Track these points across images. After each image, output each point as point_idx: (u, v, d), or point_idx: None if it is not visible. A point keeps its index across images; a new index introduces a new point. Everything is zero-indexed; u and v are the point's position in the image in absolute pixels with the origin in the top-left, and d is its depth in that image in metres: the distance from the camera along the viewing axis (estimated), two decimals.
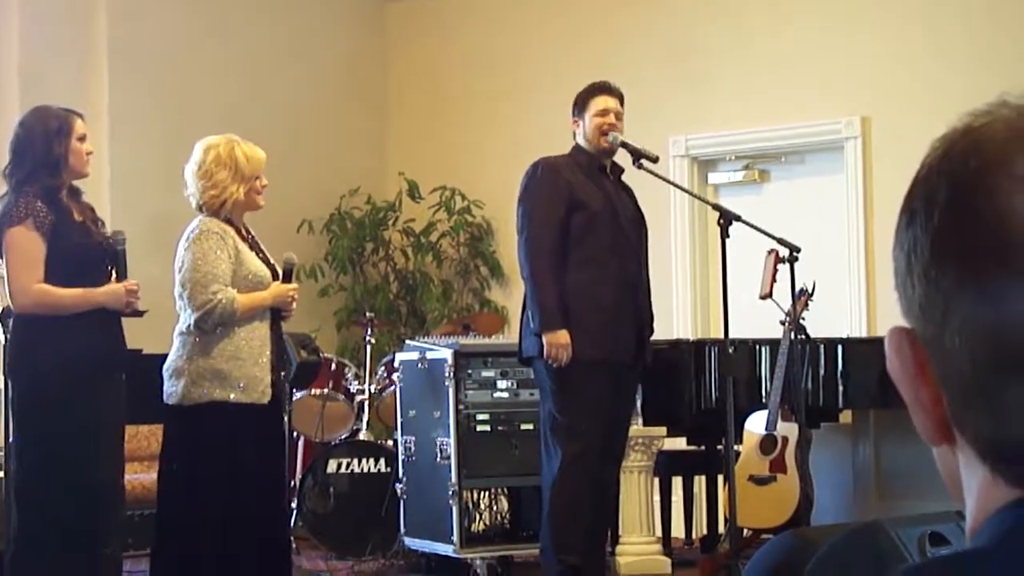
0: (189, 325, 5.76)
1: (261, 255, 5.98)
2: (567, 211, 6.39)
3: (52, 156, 5.64)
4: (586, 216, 6.41)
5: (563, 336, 6.26)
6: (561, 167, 6.50)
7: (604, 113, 6.55)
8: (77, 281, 5.63)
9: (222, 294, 5.68)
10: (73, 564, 5.62)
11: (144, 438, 8.51)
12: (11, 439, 5.82)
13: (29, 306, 5.62)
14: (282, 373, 5.98)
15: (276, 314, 5.92)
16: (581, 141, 6.59)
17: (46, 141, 5.66)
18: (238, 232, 5.89)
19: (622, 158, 6.67)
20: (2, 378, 6.00)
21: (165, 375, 5.80)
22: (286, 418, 6.90)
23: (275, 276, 5.95)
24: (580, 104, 6.60)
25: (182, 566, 5.71)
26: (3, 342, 6.03)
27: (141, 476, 8.01)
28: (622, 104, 6.65)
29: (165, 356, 5.87)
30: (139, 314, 5.77)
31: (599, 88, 6.63)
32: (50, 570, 5.61)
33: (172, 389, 5.75)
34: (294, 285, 6.02)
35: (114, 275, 5.79)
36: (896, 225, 1.07)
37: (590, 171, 6.52)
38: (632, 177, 6.74)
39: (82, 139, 5.75)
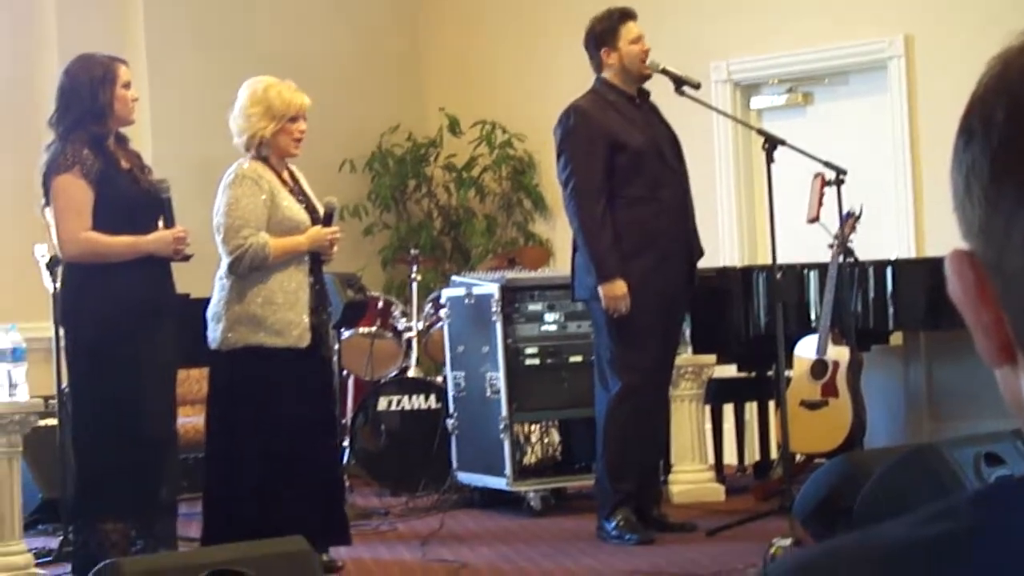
0: (226, 270, 5.78)
1: (304, 199, 5.96)
2: (608, 153, 6.34)
3: (98, 104, 5.64)
4: (628, 154, 6.37)
5: (620, 286, 6.25)
6: (592, 110, 6.44)
7: (639, 39, 6.49)
8: (125, 228, 5.63)
9: (253, 238, 5.68)
10: (129, 507, 5.65)
11: (195, 381, 8.54)
12: (65, 386, 5.85)
13: (77, 254, 5.63)
14: (324, 316, 5.96)
15: (316, 258, 5.91)
16: (611, 73, 6.50)
17: (91, 89, 5.65)
18: (278, 176, 5.87)
19: (655, 84, 6.60)
20: (54, 326, 6.02)
21: (208, 321, 5.82)
22: (334, 360, 6.92)
23: (315, 220, 5.93)
24: (607, 34, 6.50)
25: (231, 509, 5.75)
26: (54, 290, 6.05)
27: (193, 419, 8.04)
28: None
29: (210, 300, 5.89)
30: (187, 259, 5.77)
31: (625, 15, 6.54)
32: (107, 514, 5.65)
33: (212, 334, 5.79)
34: (333, 228, 5.97)
35: (161, 223, 5.78)
36: (953, 147, 1.04)
37: (621, 106, 6.47)
38: (673, 104, 6.69)
39: (127, 86, 5.73)
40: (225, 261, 5.77)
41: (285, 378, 5.74)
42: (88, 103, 5.64)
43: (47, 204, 5.69)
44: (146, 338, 5.61)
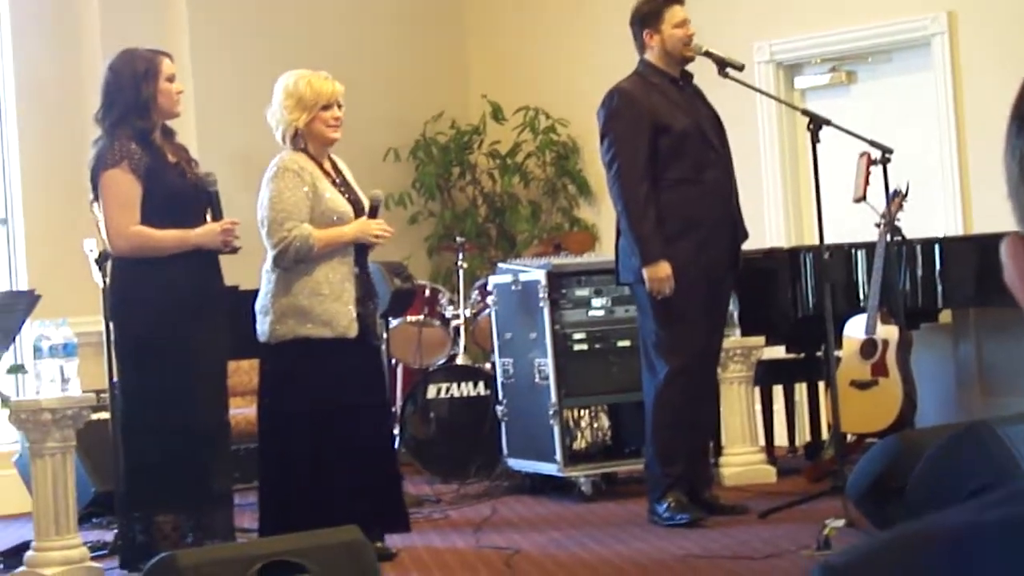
0: (271, 264, 5.81)
1: (347, 190, 5.97)
2: (652, 135, 6.34)
3: (141, 98, 5.66)
4: (672, 137, 6.36)
5: (664, 268, 6.25)
6: (636, 92, 6.44)
7: (683, 24, 6.48)
8: (173, 222, 5.66)
9: (297, 230, 5.69)
10: (181, 499, 5.68)
11: (245, 373, 8.57)
12: (116, 380, 5.88)
13: (126, 248, 5.65)
14: (370, 306, 5.97)
15: (361, 248, 5.92)
16: (654, 55, 6.50)
17: (135, 83, 5.67)
18: (320, 167, 5.88)
19: (698, 66, 6.58)
20: (104, 320, 6.06)
21: (256, 313, 5.84)
22: (383, 349, 6.94)
23: (358, 211, 5.93)
24: (651, 17, 6.50)
25: (285, 499, 5.77)
26: (104, 285, 6.08)
27: (244, 411, 8.07)
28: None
29: (258, 292, 5.91)
30: (235, 251, 5.79)
31: None
32: (158, 506, 5.68)
33: (261, 327, 5.81)
34: (380, 221, 5.98)
35: (209, 216, 5.80)
36: (1006, 132, 1.04)
37: (664, 88, 6.46)
38: (717, 85, 6.67)
39: (171, 79, 5.75)
40: (270, 254, 5.80)
41: (335, 368, 5.76)
42: (132, 98, 5.67)
43: (95, 199, 5.72)
44: (195, 331, 5.64)
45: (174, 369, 5.61)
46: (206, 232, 5.70)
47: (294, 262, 5.73)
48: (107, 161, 5.63)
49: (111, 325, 5.93)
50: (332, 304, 5.75)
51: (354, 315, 5.79)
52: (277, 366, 5.85)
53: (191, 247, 5.67)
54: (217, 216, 5.76)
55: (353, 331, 5.77)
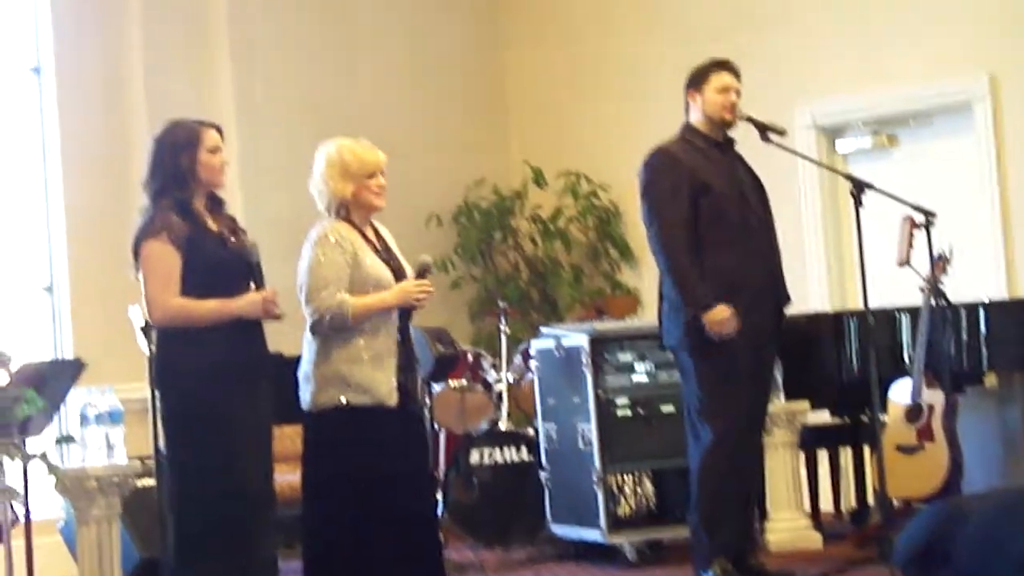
0: (311, 330, 5.81)
1: (390, 257, 5.96)
2: (692, 196, 6.33)
3: (180, 169, 5.69)
4: (713, 199, 6.35)
5: (722, 310, 6.22)
6: (678, 153, 6.44)
7: (725, 90, 6.49)
8: (214, 292, 5.66)
9: (332, 299, 5.69)
10: (226, 567, 5.67)
11: (288, 439, 8.56)
12: (162, 448, 5.89)
13: (165, 319, 5.67)
14: (412, 373, 5.95)
15: (404, 314, 5.91)
16: (696, 117, 6.52)
17: (174, 155, 5.71)
18: (362, 235, 5.89)
19: (741, 132, 6.59)
20: (150, 388, 6.06)
21: (299, 380, 5.83)
22: (425, 415, 6.93)
23: (400, 278, 5.91)
24: (698, 79, 6.54)
25: (328, 566, 5.74)
26: (149, 353, 6.09)
27: (288, 477, 8.06)
28: (739, 81, 6.59)
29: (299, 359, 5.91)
30: (278, 318, 5.79)
31: (718, 64, 6.57)
32: (207, 573, 5.66)
33: (303, 395, 5.79)
34: (420, 281, 5.92)
35: (252, 285, 5.80)
36: None
37: (706, 151, 6.47)
38: (759, 150, 6.68)
39: (213, 151, 5.76)
40: (308, 322, 5.80)
41: (376, 436, 5.73)
42: (172, 168, 5.69)
43: (138, 269, 5.74)
44: (239, 400, 5.63)
45: (217, 438, 5.60)
46: (247, 302, 5.70)
47: (331, 330, 5.73)
48: (147, 232, 5.66)
49: (156, 393, 5.94)
50: (373, 371, 5.74)
51: (395, 383, 5.77)
52: (319, 434, 5.84)
53: (231, 317, 5.66)
54: (259, 285, 5.76)
55: (393, 399, 5.74)
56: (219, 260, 5.70)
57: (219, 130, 5.87)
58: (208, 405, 5.59)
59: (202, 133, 5.77)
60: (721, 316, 6.24)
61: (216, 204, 5.85)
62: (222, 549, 5.60)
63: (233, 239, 5.79)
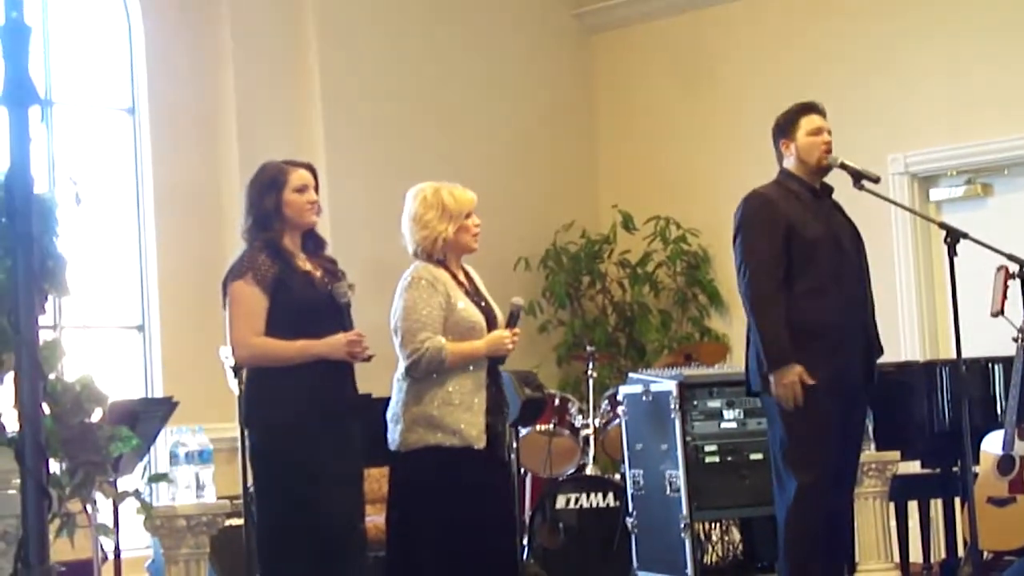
0: (403, 372, 5.82)
1: (480, 299, 5.98)
2: (785, 241, 6.28)
3: (264, 210, 5.72)
4: (806, 244, 6.29)
5: (792, 373, 6.13)
6: (773, 197, 6.40)
7: (818, 132, 6.44)
8: (303, 332, 5.65)
9: (430, 343, 5.70)
10: None
11: (375, 480, 8.59)
12: (251, 486, 5.91)
13: (247, 358, 5.69)
14: (500, 417, 5.96)
15: (494, 359, 5.92)
16: (791, 164, 6.47)
17: (260, 195, 5.74)
18: (454, 277, 5.90)
19: (835, 179, 6.55)
20: (239, 427, 6.11)
21: (388, 421, 5.84)
22: (512, 459, 6.91)
23: (490, 321, 5.93)
24: (787, 126, 6.47)
25: None
26: (239, 393, 6.13)
27: (374, 518, 8.08)
28: (826, 120, 6.54)
29: (389, 400, 5.91)
30: (368, 359, 5.80)
31: (806, 108, 6.51)
32: None
33: (392, 435, 5.81)
34: (510, 332, 5.92)
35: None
36: None
37: (802, 197, 6.41)
38: (852, 198, 6.63)
39: (301, 190, 5.76)
40: (403, 364, 5.81)
41: (463, 479, 5.73)
42: (259, 209, 5.73)
43: (225, 308, 5.78)
44: (326, 441, 5.63)
45: (303, 480, 5.58)
46: (331, 343, 5.68)
47: (426, 373, 5.74)
48: (234, 273, 5.69)
49: (245, 433, 5.96)
50: (463, 414, 5.75)
51: (483, 426, 5.78)
52: (406, 475, 5.84)
53: (315, 357, 5.65)
54: (347, 327, 5.76)
55: (482, 442, 5.75)
56: (307, 301, 5.69)
57: (311, 169, 5.87)
58: (292, 448, 5.58)
59: (289, 173, 5.78)
60: (790, 379, 6.13)
61: (317, 245, 5.87)
62: None
63: (323, 279, 5.78)
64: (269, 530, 5.71)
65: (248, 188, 5.83)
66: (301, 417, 5.60)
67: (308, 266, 5.78)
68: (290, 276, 5.69)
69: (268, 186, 5.75)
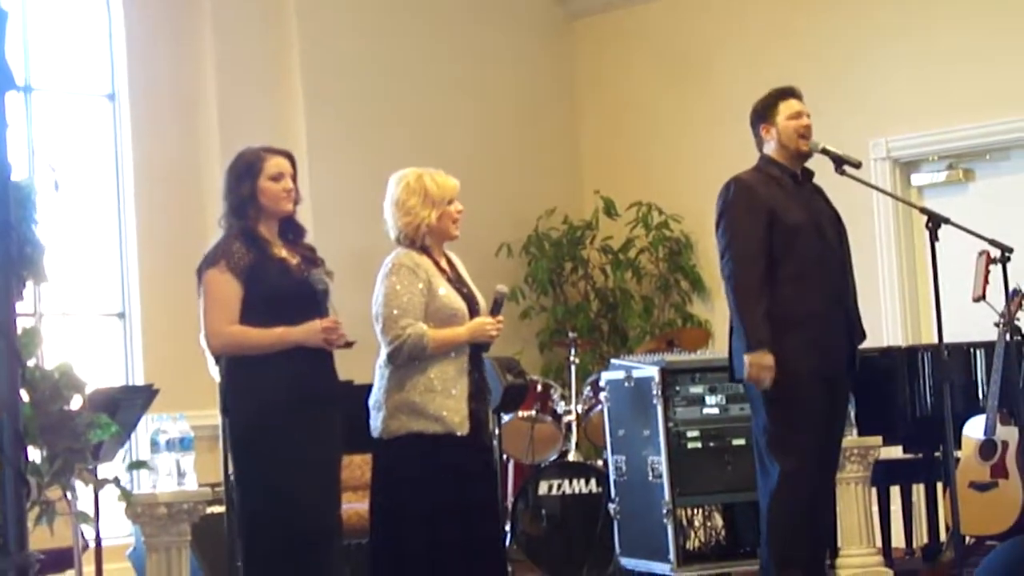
0: (385, 359, 5.80)
1: (462, 286, 5.96)
2: (767, 227, 6.28)
3: (239, 196, 5.66)
4: (788, 230, 6.29)
5: (766, 358, 6.13)
6: (754, 183, 6.39)
7: (798, 115, 6.43)
8: (279, 320, 5.59)
9: (411, 329, 5.69)
10: None
11: (357, 467, 8.59)
12: (232, 473, 5.86)
13: (222, 347, 5.62)
14: (483, 403, 5.94)
15: (477, 345, 5.91)
16: (772, 149, 6.46)
17: (236, 182, 5.69)
18: (436, 264, 5.89)
19: (816, 165, 6.55)
20: (220, 414, 6.05)
21: (370, 408, 5.83)
22: (495, 445, 6.91)
23: (472, 307, 5.91)
24: (766, 111, 6.46)
25: None
26: (220, 381, 6.09)
27: (356, 505, 8.08)
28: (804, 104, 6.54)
29: (371, 387, 5.89)
30: (349, 346, 5.77)
31: (784, 93, 6.50)
32: None
33: (374, 423, 5.79)
34: (493, 319, 5.92)
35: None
36: None
37: (783, 183, 6.41)
38: (833, 182, 6.63)
39: (276, 178, 5.69)
40: (384, 351, 5.80)
41: (446, 465, 5.73)
42: (235, 196, 5.68)
43: (200, 297, 5.73)
44: (305, 429, 5.56)
45: (281, 468, 5.53)
46: (307, 330, 5.61)
47: (408, 360, 5.73)
48: (208, 260, 5.63)
49: (225, 420, 5.91)
50: (445, 400, 5.74)
51: (467, 412, 5.77)
52: (389, 462, 5.83)
53: (291, 345, 5.58)
54: (323, 314, 5.71)
55: (465, 428, 5.74)
56: (282, 288, 5.63)
57: (289, 156, 5.82)
58: (270, 435, 5.53)
59: (265, 160, 5.72)
60: (763, 363, 6.14)
61: (296, 233, 5.82)
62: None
63: (300, 267, 5.71)
64: (248, 518, 5.68)
65: (225, 175, 5.78)
66: (279, 405, 5.55)
67: (284, 253, 5.71)
68: (265, 264, 5.62)
69: (244, 173, 5.69)
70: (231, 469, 5.79)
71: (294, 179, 5.77)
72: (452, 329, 5.78)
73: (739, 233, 6.29)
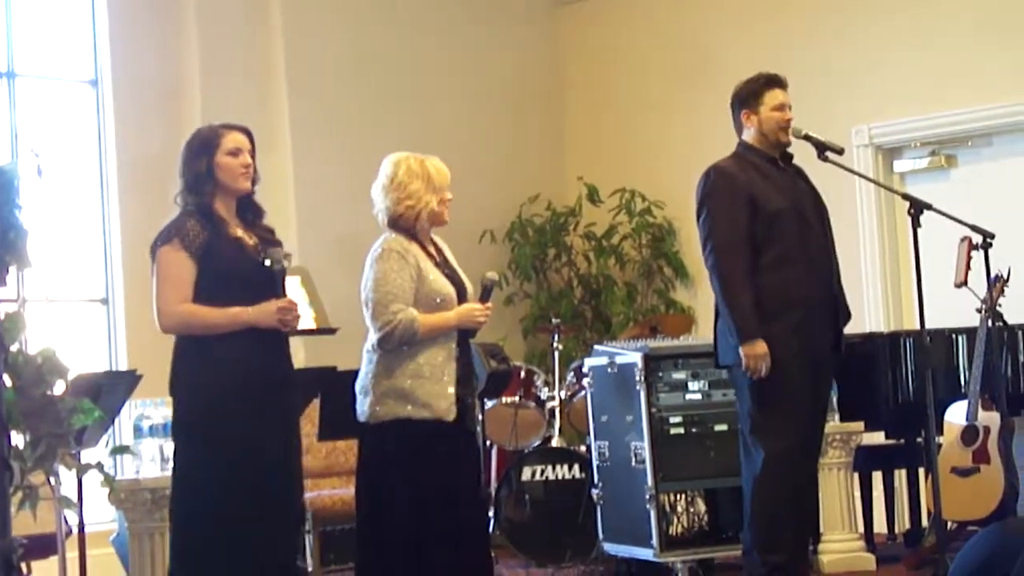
0: (374, 344, 5.79)
1: (450, 271, 5.96)
2: (749, 213, 6.29)
3: (196, 173, 5.56)
4: (769, 216, 6.31)
5: (760, 347, 6.15)
6: (734, 171, 6.40)
7: (782, 108, 6.44)
8: (233, 300, 5.48)
9: (402, 314, 5.68)
10: None
11: (341, 453, 8.60)
12: (171, 459, 5.71)
13: (172, 326, 5.50)
14: (470, 389, 5.94)
15: (464, 331, 5.91)
16: (751, 135, 6.46)
17: (192, 159, 5.59)
18: (424, 249, 5.88)
19: (798, 151, 6.56)
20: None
21: (357, 393, 5.81)
22: (479, 432, 6.91)
23: (460, 292, 5.91)
24: (751, 97, 6.46)
25: None
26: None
27: (339, 491, 8.09)
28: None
29: (357, 372, 5.86)
30: (294, 331, 5.67)
31: (772, 81, 6.50)
32: None
33: (361, 407, 5.76)
34: (482, 306, 5.91)
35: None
36: None
37: (763, 168, 6.42)
38: (816, 169, 6.64)
39: (234, 153, 5.59)
40: (374, 336, 5.78)
41: (432, 451, 5.72)
42: (191, 173, 5.58)
43: (153, 275, 5.57)
44: (257, 412, 5.44)
45: (222, 447, 5.40)
46: (259, 311, 5.49)
47: (399, 345, 5.72)
48: (161, 237, 5.51)
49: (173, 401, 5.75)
50: (433, 386, 5.73)
51: (454, 398, 5.77)
52: (376, 447, 5.81)
53: (244, 325, 5.46)
54: (279, 295, 5.58)
55: (452, 414, 5.74)
56: (236, 268, 5.52)
57: (247, 133, 5.70)
58: (219, 418, 5.40)
59: (222, 136, 5.61)
60: (758, 351, 6.16)
61: (254, 212, 5.70)
62: (220, 562, 5.41)
63: (256, 247, 5.59)
64: (182, 498, 5.51)
65: (182, 151, 5.64)
66: (227, 389, 5.42)
67: (240, 233, 5.59)
68: (220, 242, 5.51)
69: (200, 148, 5.58)
70: (174, 452, 5.59)
71: (253, 156, 5.66)
72: (441, 314, 5.77)
73: (720, 222, 6.29)
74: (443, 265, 5.93)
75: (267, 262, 5.56)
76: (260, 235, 5.66)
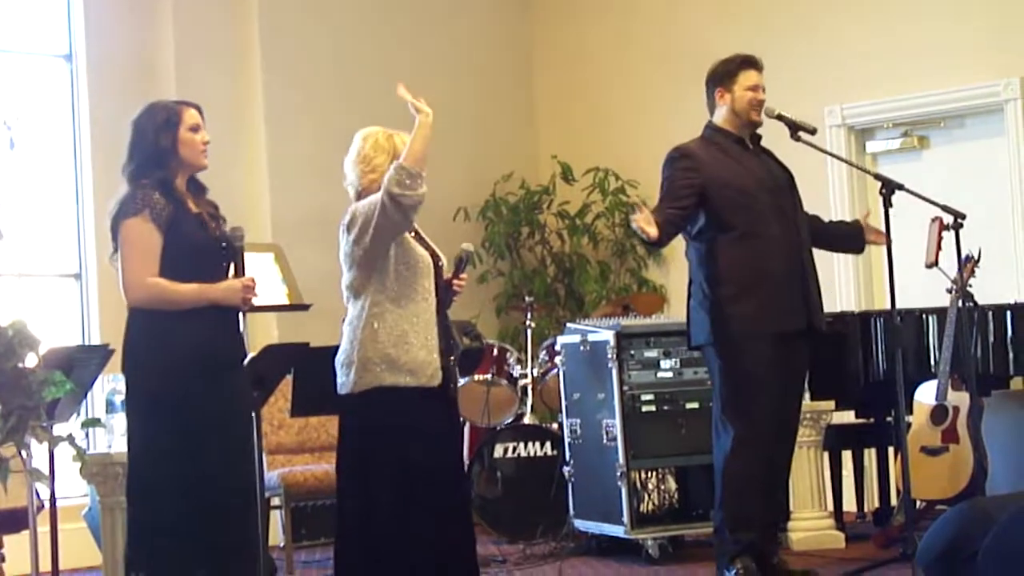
0: (355, 315, 5.75)
1: (424, 244, 5.96)
2: (710, 193, 6.34)
3: (160, 148, 5.55)
4: (732, 192, 6.36)
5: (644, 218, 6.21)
6: (697, 151, 6.45)
7: (755, 88, 6.48)
8: (193, 276, 5.50)
9: (384, 176, 5.64)
10: (187, 558, 5.45)
11: (313, 429, 8.61)
12: (125, 436, 5.69)
13: (143, 299, 5.49)
14: (451, 358, 5.94)
15: (441, 300, 5.90)
16: (722, 115, 6.50)
17: (154, 134, 5.57)
18: None
19: (771, 130, 6.58)
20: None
21: (337, 367, 5.77)
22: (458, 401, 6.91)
23: (436, 262, 5.91)
24: (725, 76, 6.51)
25: (363, 554, 5.71)
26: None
27: (311, 467, 8.10)
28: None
29: (331, 349, 5.82)
30: (252, 308, 5.67)
31: (747, 62, 6.54)
32: (161, 565, 5.46)
33: (343, 379, 5.72)
34: (458, 279, 5.91)
35: (232, 271, 5.64)
36: None
37: (729, 150, 6.46)
38: (789, 149, 6.67)
39: (194, 129, 5.62)
40: (394, 189, 5.65)
41: (417, 419, 5.69)
42: (151, 148, 5.56)
43: (116, 250, 5.57)
44: (210, 390, 5.44)
45: (177, 426, 5.39)
46: (226, 288, 5.54)
47: (408, 190, 5.56)
48: (128, 210, 5.49)
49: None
50: (418, 352, 5.70)
51: (439, 364, 5.76)
52: (360, 417, 5.75)
53: (209, 302, 5.49)
54: (239, 271, 5.62)
55: (437, 380, 5.72)
56: (199, 244, 5.54)
57: (199, 110, 5.71)
58: (173, 395, 5.40)
59: (182, 112, 5.64)
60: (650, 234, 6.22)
61: (198, 189, 5.70)
62: (178, 539, 5.41)
63: (212, 224, 5.63)
64: (136, 477, 5.51)
65: (136, 127, 5.62)
66: (181, 365, 5.42)
67: (197, 208, 5.61)
68: (184, 217, 5.53)
69: (163, 125, 5.57)
70: (128, 430, 5.57)
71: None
72: (418, 143, 5.80)
73: (665, 184, 6.39)
74: (416, 237, 5.92)
75: (228, 239, 5.56)
76: (207, 211, 5.67)
